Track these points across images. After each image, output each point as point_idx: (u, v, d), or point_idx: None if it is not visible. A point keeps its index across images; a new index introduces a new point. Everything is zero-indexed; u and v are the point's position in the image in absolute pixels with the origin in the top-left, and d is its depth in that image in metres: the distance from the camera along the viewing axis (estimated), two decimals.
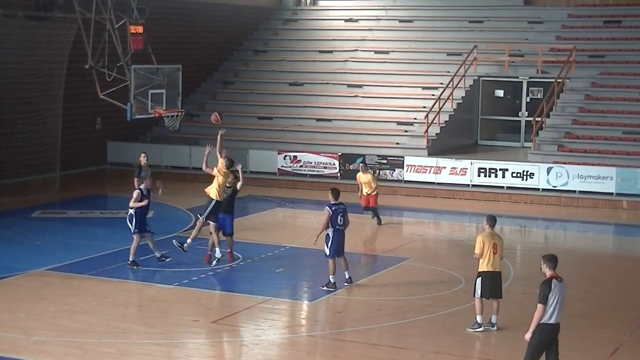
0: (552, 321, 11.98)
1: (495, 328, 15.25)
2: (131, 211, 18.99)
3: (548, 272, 12.02)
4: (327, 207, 17.39)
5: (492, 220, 15.41)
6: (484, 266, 15.01)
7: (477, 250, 15.03)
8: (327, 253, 17.37)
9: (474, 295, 15.20)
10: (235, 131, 32.86)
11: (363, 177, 24.04)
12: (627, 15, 34.37)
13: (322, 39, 37.64)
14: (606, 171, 27.18)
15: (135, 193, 19.06)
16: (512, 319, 15.66)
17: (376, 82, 34.10)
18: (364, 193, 24.00)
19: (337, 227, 17.32)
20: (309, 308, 16.91)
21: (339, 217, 17.28)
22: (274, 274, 19.01)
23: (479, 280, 15.08)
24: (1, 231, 22.66)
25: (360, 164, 25.87)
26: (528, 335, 12.04)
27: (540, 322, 11.95)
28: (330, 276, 17.47)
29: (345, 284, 17.73)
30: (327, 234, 17.33)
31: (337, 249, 17.37)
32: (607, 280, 19.30)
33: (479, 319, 15.13)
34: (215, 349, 14.60)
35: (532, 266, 20.74)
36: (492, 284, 15.06)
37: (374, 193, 23.94)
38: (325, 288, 17.51)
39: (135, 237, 18.97)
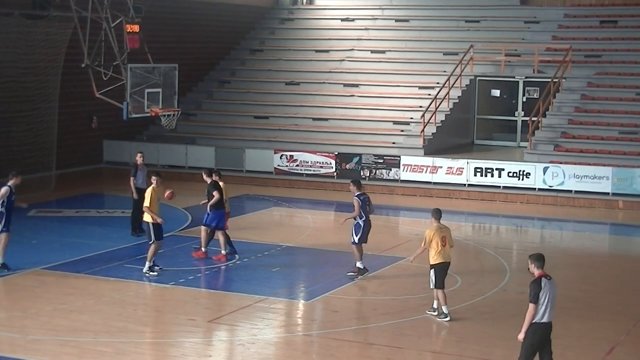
0: (544, 320, 11.97)
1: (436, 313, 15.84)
2: (1, 209, 18.52)
3: (536, 272, 12.06)
4: (355, 198, 18.11)
5: (437, 213, 15.97)
6: (435, 258, 15.57)
7: (431, 243, 15.56)
8: (355, 240, 18.15)
9: (431, 287, 15.76)
10: (231, 130, 32.93)
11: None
12: (623, 15, 34.42)
13: (319, 38, 37.66)
14: (602, 171, 27.21)
15: (4, 189, 18.51)
16: (509, 319, 15.67)
17: (372, 82, 34.11)
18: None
19: (366, 216, 18.13)
20: (305, 307, 16.91)
21: (366, 206, 18.13)
22: (270, 273, 19.01)
23: (432, 272, 15.65)
24: None
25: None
26: (521, 336, 12.03)
27: (533, 321, 11.93)
28: (358, 262, 18.26)
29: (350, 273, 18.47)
30: (358, 223, 18.07)
31: (365, 237, 18.19)
32: (603, 280, 19.32)
33: (444, 309, 15.67)
34: (211, 348, 14.60)
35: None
36: (444, 274, 15.73)
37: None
38: (351, 273, 18.34)
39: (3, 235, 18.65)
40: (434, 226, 15.74)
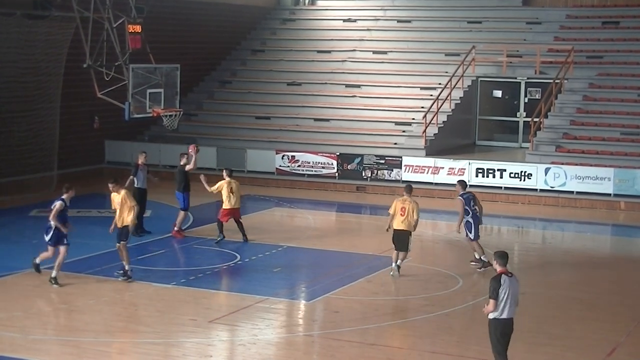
0: (504, 316, 12.20)
1: (399, 273, 18.30)
2: (51, 223, 17.48)
3: (499, 268, 12.32)
4: (459, 197, 19.24)
5: (407, 187, 18.68)
6: (393, 225, 18.23)
7: (390, 210, 18.30)
8: (472, 237, 19.19)
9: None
10: (233, 131, 32.92)
11: None
12: (625, 16, 34.39)
13: (321, 39, 37.64)
14: (604, 172, 27.19)
15: (59, 204, 17.54)
16: None
17: (374, 82, 34.10)
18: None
19: (473, 212, 19.07)
20: (306, 308, 16.90)
21: (470, 202, 19.10)
22: (271, 273, 19.00)
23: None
24: None
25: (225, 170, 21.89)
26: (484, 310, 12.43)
27: (494, 317, 12.21)
28: (482, 256, 19.11)
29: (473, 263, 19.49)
30: (467, 221, 19.07)
31: (478, 232, 19.17)
32: (604, 281, 19.29)
33: (393, 264, 18.39)
34: (212, 348, 14.59)
35: (529, 267, 20.77)
36: (397, 239, 18.23)
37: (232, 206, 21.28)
38: (478, 266, 19.13)
39: (50, 249, 17.58)
40: (400, 198, 18.37)
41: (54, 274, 17.50)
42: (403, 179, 28.94)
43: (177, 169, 22.74)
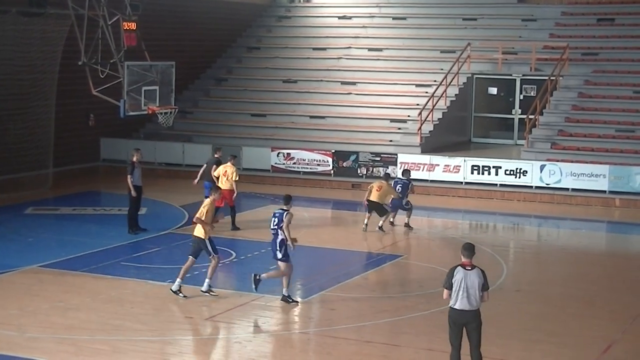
0: (456, 306, 12.40)
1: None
2: (281, 237, 16.36)
3: (462, 260, 12.51)
4: (393, 181, 23.35)
5: (386, 175, 23.55)
6: (369, 197, 22.48)
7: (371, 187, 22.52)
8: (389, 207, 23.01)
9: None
10: (228, 128, 32.92)
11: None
12: (621, 13, 34.42)
13: (316, 36, 37.64)
14: (599, 169, 27.22)
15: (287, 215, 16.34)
16: (504, 316, 15.69)
17: (370, 80, 34.10)
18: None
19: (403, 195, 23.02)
20: (302, 305, 16.90)
21: (397, 187, 22.92)
22: (267, 271, 18.94)
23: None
24: None
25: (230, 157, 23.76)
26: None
27: (448, 305, 12.51)
28: (391, 220, 23.09)
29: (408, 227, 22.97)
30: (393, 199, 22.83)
31: (395, 209, 23.06)
32: (599, 278, 19.33)
33: (366, 221, 22.53)
34: (208, 346, 14.59)
35: (524, 264, 20.82)
36: (376, 209, 22.37)
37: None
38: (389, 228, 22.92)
39: (283, 265, 16.38)
40: (379, 181, 22.80)
41: (284, 291, 16.51)
42: (398, 176, 28.94)
43: (209, 160, 24.04)
